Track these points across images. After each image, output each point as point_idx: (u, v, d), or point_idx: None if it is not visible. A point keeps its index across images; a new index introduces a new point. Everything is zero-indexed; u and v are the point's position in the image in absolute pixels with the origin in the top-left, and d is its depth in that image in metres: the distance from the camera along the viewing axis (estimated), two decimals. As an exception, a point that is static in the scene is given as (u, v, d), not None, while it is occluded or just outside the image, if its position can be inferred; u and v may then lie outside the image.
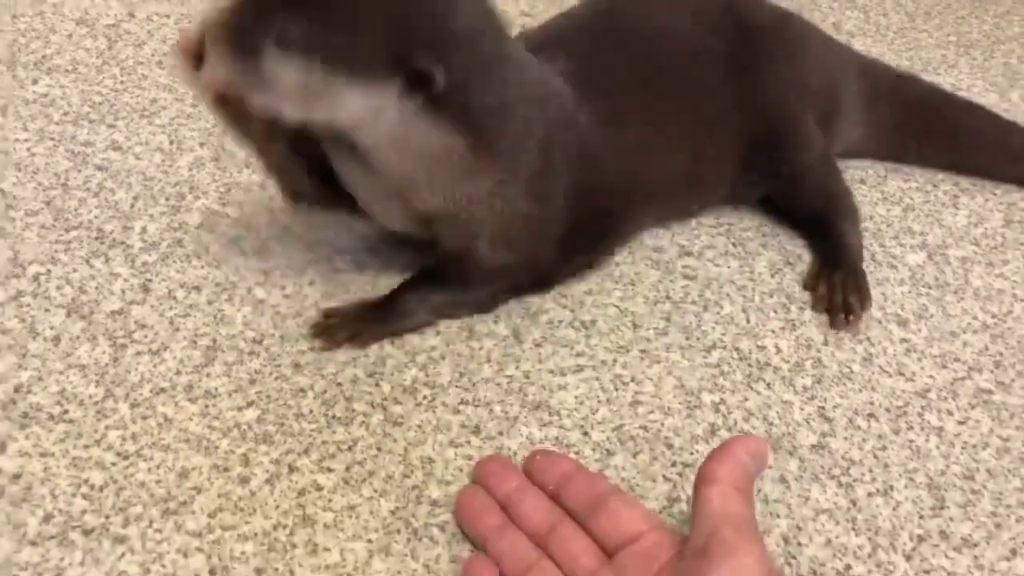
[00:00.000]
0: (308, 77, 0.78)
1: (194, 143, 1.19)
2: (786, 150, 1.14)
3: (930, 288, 1.11)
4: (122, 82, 1.28)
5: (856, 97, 1.25)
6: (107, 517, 0.78)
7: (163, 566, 0.75)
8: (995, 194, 1.27)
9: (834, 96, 1.22)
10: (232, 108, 0.82)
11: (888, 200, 1.24)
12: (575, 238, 1.01)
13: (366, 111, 0.81)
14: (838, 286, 1.08)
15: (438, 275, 0.99)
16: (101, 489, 0.80)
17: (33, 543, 0.75)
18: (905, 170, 1.30)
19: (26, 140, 1.16)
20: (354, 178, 0.93)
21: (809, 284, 1.10)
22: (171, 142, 1.18)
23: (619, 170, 1.03)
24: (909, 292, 1.10)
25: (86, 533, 0.76)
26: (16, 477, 0.80)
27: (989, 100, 1.46)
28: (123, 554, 0.75)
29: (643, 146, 1.05)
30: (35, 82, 1.26)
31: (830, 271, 1.10)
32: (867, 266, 1.12)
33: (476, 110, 0.87)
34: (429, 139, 0.85)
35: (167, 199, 1.10)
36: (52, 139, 1.16)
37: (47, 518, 0.77)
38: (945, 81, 1.51)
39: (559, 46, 1.06)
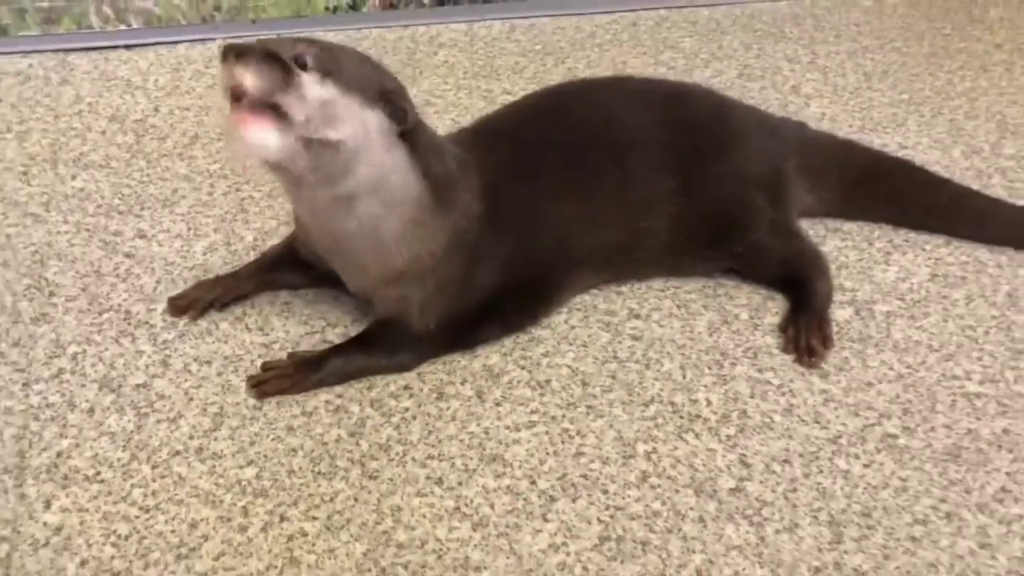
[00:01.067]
0: (326, 94, 1.01)
1: (209, 229, 1.37)
2: (736, 231, 1.29)
3: (853, 342, 1.25)
4: (147, 174, 1.47)
5: (801, 171, 1.39)
6: (131, 562, 0.95)
7: (175, 602, 0.92)
8: (924, 250, 1.41)
9: (778, 176, 1.35)
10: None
11: (824, 259, 1.38)
12: (505, 303, 1.20)
13: (362, 130, 1.03)
14: (803, 330, 1.24)
15: (367, 341, 1.17)
16: (126, 538, 0.97)
17: (71, 584, 0.93)
18: (845, 229, 1.44)
19: (66, 232, 1.35)
20: (337, 258, 1.16)
21: (781, 327, 1.26)
22: (189, 229, 1.37)
23: (548, 243, 1.21)
24: (834, 347, 1.24)
25: (114, 575, 0.94)
26: (58, 529, 0.97)
27: (932, 157, 1.60)
28: (143, 593, 0.93)
29: (573, 221, 1.22)
30: (74, 178, 1.45)
31: (797, 316, 1.26)
32: (797, 323, 1.26)
33: (430, 159, 1.10)
34: (407, 179, 1.08)
35: (184, 281, 1.28)
36: (87, 230, 1.35)
37: (83, 563, 0.95)
38: (893, 140, 1.64)
39: (506, 128, 1.27)
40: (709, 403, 1.16)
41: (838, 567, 0.99)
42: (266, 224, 1.38)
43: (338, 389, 1.14)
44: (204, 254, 1.33)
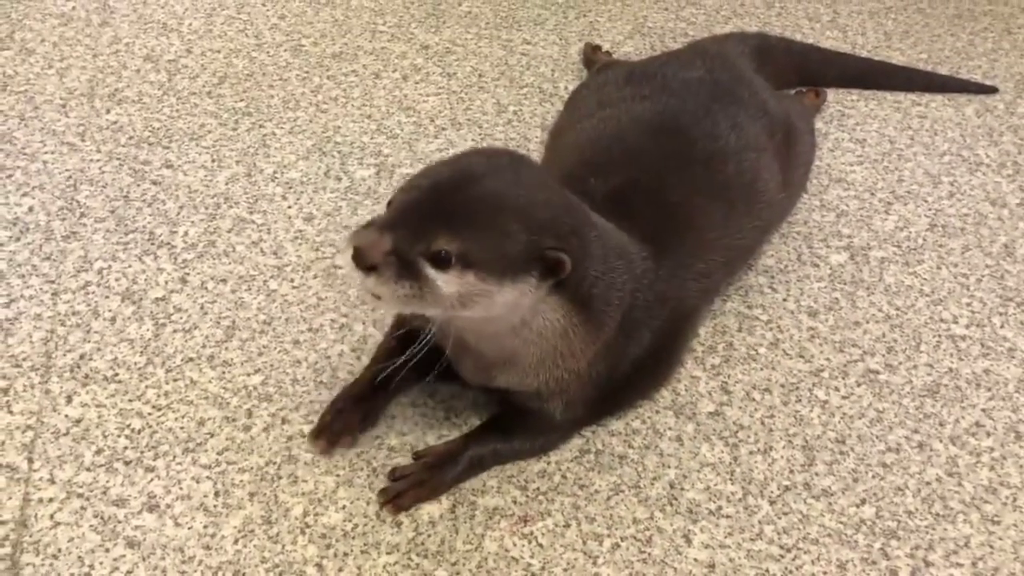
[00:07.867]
0: (465, 287, 0.88)
1: (232, 161, 1.44)
2: None
3: (845, 284, 1.28)
4: (177, 110, 1.54)
5: None
6: (142, 453, 1.03)
7: (180, 489, 0.99)
8: (926, 201, 1.43)
9: None
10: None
11: (825, 207, 1.41)
12: (644, 372, 1.09)
13: (510, 302, 0.91)
14: None
15: (504, 426, 1.06)
16: (139, 432, 1.05)
17: (88, 469, 1.01)
18: (848, 179, 1.47)
19: (98, 160, 1.43)
20: (460, 353, 1.02)
21: None
22: (213, 160, 1.44)
23: (695, 295, 1.13)
24: (825, 287, 1.28)
25: (126, 463, 1.01)
26: (78, 421, 1.05)
27: (945, 114, 1.61)
28: (152, 479, 1.00)
29: (716, 264, 1.15)
30: (108, 111, 1.53)
31: None
32: (791, 265, 1.30)
33: (587, 286, 0.96)
34: (554, 318, 0.95)
35: (206, 208, 1.35)
36: (118, 159, 1.43)
37: (98, 451, 1.02)
38: (907, 97, 1.66)
39: (634, 181, 1.13)
40: (697, 335, 1.20)
41: (807, 487, 1.03)
42: (286, 158, 1.45)
43: (343, 308, 1.21)
44: (226, 184, 1.40)
